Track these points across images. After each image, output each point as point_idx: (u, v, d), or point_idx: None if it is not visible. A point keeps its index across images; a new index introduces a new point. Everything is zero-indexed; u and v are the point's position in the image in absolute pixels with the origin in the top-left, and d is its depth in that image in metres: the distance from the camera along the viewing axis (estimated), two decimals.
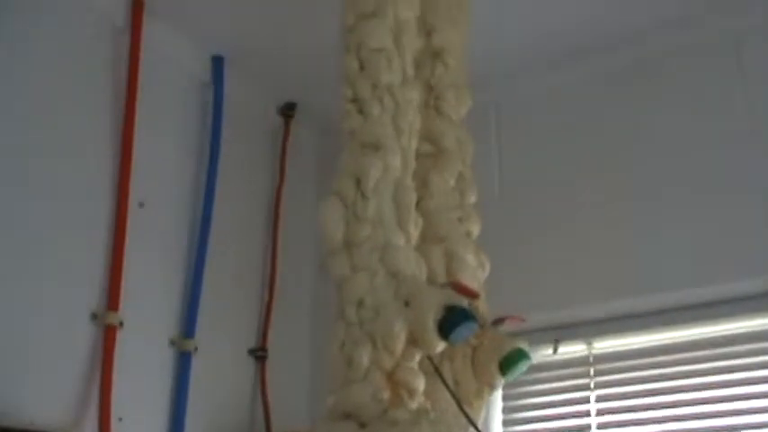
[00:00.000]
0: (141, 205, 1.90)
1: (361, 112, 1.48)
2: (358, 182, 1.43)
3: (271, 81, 2.25)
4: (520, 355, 1.52)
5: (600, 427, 1.97)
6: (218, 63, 2.13)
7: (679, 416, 1.89)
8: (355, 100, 1.50)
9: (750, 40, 1.94)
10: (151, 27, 1.96)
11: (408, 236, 1.41)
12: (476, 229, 1.62)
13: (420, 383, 1.38)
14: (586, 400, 2.00)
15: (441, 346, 1.34)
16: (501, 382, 1.54)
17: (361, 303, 1.37)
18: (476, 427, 1.41)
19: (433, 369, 1.41)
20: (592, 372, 2.01)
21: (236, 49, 2.14)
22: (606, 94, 2.10)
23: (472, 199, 1.64)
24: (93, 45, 1.89)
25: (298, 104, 2.31)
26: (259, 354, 2.11)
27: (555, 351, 2.02)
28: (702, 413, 1.87)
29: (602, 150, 2.06)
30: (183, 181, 2.03)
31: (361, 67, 1.51)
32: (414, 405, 1.35)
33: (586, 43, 2.10)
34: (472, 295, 1.45)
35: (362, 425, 1.32)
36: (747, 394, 1.83)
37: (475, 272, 1.57)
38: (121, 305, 1.79)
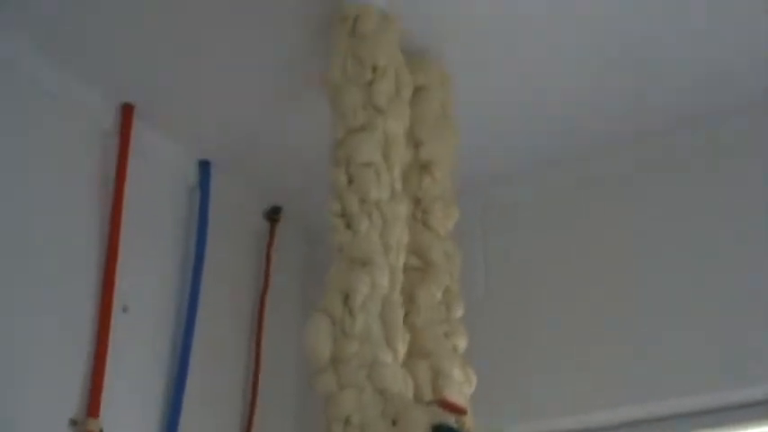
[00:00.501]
0: (125, 309, 1.89)
1: (349, 227, 1.49)
2: (346, 298, 1.43)
3: (257, 185, 2.26)
4: None
5: None
6: (204, 167, 2.14)
7: None
8: (343, 215, 1.51)
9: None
10: (140, 130, 1.98)
11: (396, 353, 1.41)
12: (462, 344, 1.62)
13: None
14: None
15: None
16: None
17: (347, 421, 1.36)
18: None
19: None
20: None
21: (223, 154, 2.15)
22: (598, 196, 2.11)
23: (459, 313, 1.64)
24: (80, 147, 1.90)
25: (283, 209, 2.32)
26: None
27: None
28: None
29: (592, 253, 2.06)
30: (167, 285, 2.02)
31: (350, 182, 1.53)
32: None
33: (578, 146, 2.11)
34: (459, 411, 1.45)
35: None
36: None
37: (461, 387, 1.57)
38: (102, 412, 1.76)
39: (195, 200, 2.12)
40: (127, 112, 1.96)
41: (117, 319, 1.85)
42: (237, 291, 2.21)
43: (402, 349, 1.43)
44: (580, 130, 2.07)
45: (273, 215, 2.31)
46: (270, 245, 2.29)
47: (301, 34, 1.79)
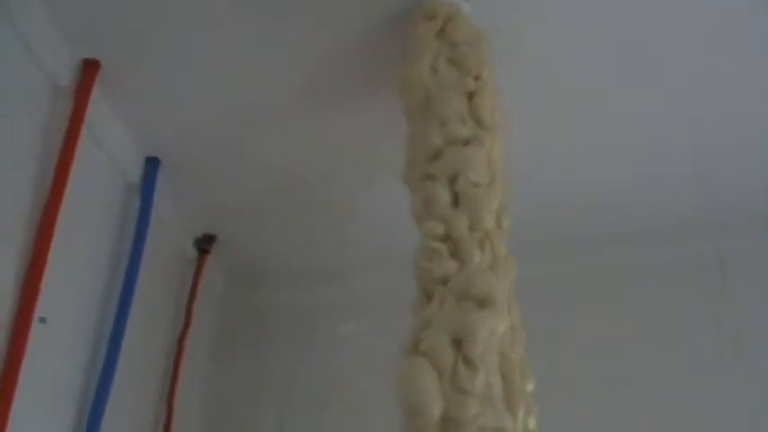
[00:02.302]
0: (42, 321, 1.41)
1: (454, 256, 1.17)
2: (456, 344, 1.10)
3: (199, 204, 1.85)
4: None
5: None
6: (152, 166, 1.72)
7: None
8: (447, 239, 1.18)
9: (734, 260, 1.85)
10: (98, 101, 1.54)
11: (517, 422, 1.09)
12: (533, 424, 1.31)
13: None
14: None
15: None
16: None
17: None
18: None
19: None
20: None
21: (173, 157, 1.74)
22: (566, 305, 1.89)
23: (531, 386, 1.33)
24: (26, 104, 1.43)
25: (218, 238, 1.92)
26: None
27: None
28: None
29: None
30: (92, 298, 1.56)
31: (456, 202, 1.21)
32: None
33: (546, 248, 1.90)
34: None
35: None
36: None
37: None
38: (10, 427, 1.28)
39: (133, 202, 1.68)
40: (90, 69, 1.52)
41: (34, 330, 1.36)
42: (159, 322, 1.77)
43: (522, 419, 1.10)
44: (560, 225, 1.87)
45: (205, 244, 1.90)
46: (196, 277, 1.87)
47: (330, 37, 1.48)
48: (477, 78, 1.33)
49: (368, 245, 1.90)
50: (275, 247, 1.93)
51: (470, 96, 1.31)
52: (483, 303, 1.13)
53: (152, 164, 1.72)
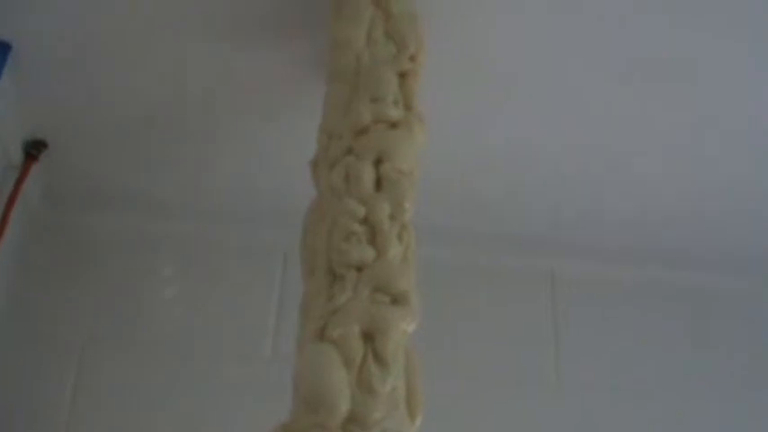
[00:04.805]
0: None
1: (371, 243, 1.11)
2: (367, 338, 1.05)
3: (40, 103, 1.64)
4: None
5: None
6: (1, 51, 1.50)
7: None
8: (365, 223, 1.12)
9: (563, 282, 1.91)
10: None
11: (414, 429, 1.05)
12: None
13: None
14: None
15: None
16: None
17: None
18: None
19: None
20: None
21: (26, 45, 1.53)
22: None
23: None
24: None
25: (50, 147, 1.71)
26: None
27: None
28: None
29: None
30: None
31: (379, 186, 1.15)
32: None
33: None
34: None
35: None
36: None
37: None
38: None
39: None
40: None
41: None
42: None
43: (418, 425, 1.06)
44: None
45: (33, 149, 1.69)
46: (18, 185, 1.67)
47: None
48: (412, 59, 1.27)
49: (223, 188, 1.78)
50: (115, 170, 1.75)
51: (403, 76, 1.26)
52: (397, 300, 1.08)
53: (1, 48, 1.50)
